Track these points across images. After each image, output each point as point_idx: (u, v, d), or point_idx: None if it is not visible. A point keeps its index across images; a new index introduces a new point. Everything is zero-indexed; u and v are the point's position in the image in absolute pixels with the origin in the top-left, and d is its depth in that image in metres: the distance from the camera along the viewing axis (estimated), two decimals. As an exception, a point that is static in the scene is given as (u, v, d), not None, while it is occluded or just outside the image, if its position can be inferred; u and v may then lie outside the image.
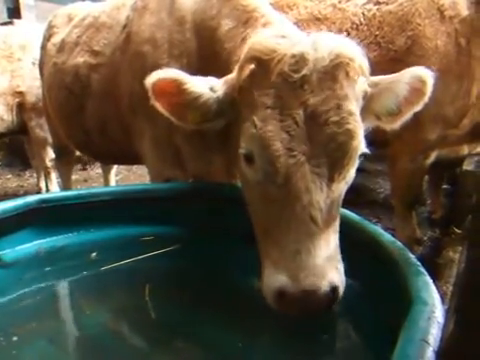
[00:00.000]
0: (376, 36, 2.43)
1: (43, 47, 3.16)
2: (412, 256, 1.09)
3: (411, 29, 2.36)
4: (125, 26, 2.15)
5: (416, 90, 1.28)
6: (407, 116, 1.33)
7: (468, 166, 3.35)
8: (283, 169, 1.09)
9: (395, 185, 2.85)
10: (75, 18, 2.84)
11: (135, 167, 5.83)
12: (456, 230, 3.30)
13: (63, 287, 1.48)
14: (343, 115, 1.09)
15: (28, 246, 1.51)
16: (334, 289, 1.05)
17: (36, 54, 3.65)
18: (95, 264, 1.51)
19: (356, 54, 1.17)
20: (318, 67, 1.11)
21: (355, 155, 1.13)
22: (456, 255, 2.85)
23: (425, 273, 1.00)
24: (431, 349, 0.75)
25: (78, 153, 3.77)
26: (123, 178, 5.71)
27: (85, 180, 5.74)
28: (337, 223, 1.17)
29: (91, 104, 2.42)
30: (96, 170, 6.01)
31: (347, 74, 1.13)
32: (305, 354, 1.15)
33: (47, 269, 1.48)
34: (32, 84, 4.34)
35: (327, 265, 1.06)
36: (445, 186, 4.27)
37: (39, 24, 4.76)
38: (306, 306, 1.04)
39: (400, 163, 2.64)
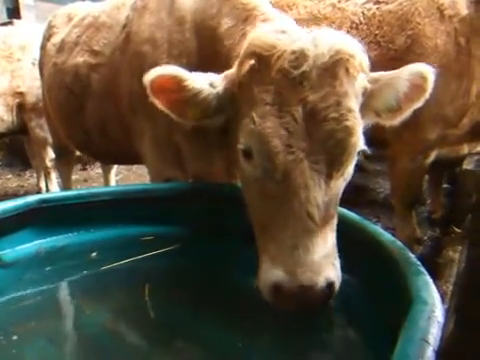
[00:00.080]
0: (376, 35, 2.43)
1: (43, 47, 3.16)
2: (412, 255, 1.09)
3: (411, 28, 2.36)
4: (125, 26, 2.15)
5: (416, 86, 1.28)
6: (407, 113, 1.32)
7: (468, 165, 3.35)
8: (281, 165, 1.09)
9: (395, 185, 2.85)
10: (75, 18, 2.84)
11: (135, 167, 5.82)
12: (456, 229, 3.29)
13: (63, 287, 1.48)
14: (342, 112, 1.09)
15: (28, 246, 1.51)
16: (330, 285, 1.06)
17: (36, 54, 3.65)
18: (95, 264, 1.51)
19: (356, 51, 1.17)
20: (318, 63, 1.10)
21: (354, 152, 1.13)
22: (456, 254, 2.85)
23: (425, 272, 1.00)
24: (431, 349, 0.75)
25: (78, 153, 3.77)
26: (123, 178, 5.71)
27: (85, 180, 5.74)
28: (335, 220, 1.17)
29: (91, 104, 2.41)
30: (96, 170, 6.01)
31: (347, 71, 1.13)
32: (305, 354, 1.15)
33: (47, 269, 1.48)
34: (32, 84, 4.34)
35: (324, 261, 1.06)
36: (445, 185, 4.27)
37: (39, 24, 4.76)
38: (302, 301, 1.04)
39: (400, 163, 2.64)
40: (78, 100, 2.48)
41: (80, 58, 2.45)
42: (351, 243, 1.24)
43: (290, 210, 1.08)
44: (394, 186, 2.89)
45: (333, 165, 1.11)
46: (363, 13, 2.51)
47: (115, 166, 4.45)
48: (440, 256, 2.98)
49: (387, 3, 2.49)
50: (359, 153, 1.17)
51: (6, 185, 5.69)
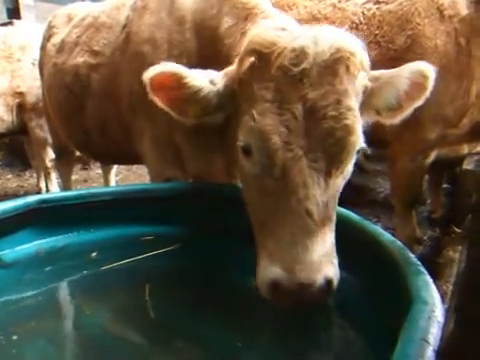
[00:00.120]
0: (376, 35, 2.43)
1: (43, 47, 3.15)
2: (412, 255, 1.09)
3: (411, 28, 2.36)
4: (125, 26, 2.15)
5: (417, 85, 1.27)
6: (408, 111, 1.32)
7: (468, 165, 3.35)
8: (280, 163, 1.09)
9: (395, 185, 2.85)
10: (75, 18, 2.84)
11: (135, 167, 5.82)
12: (456, 229, 3.29)
13: (63, 287, 1.48)
14: (342, 110, 1.09)
15: (28, 246, 1.51)
16: (329, 283, 1.06)
17: (36, 54, 3.64)
18: (95, 264, 1.51)
19: (357, 49, 1.16)
20: (318, 61, 1.10)
21: (353, 150, 1.13)
22: (456, 254, 2.85)
23: (425, 272, 1.00)
24: (431, 348, 0.75)
25: (78, 153, 3.77)
26: (123, 178, 5.71)
27: (85, 180, 5.74)
28: (334, 218, 1.17)
29: (91, 104, 2.41)
30: (96, 170, 6.01)
31: (347, 69, 1.13)
32: (304, 354, 1.15)
33: (47, 269, 1.48)
34: (32, 84, 4.34)
35: (322, 259, 1.06)
36: (445, 185, 4.27)
37: (39, 24, 4.76)
38: (300, 299, 1.04)
39: (400, 163, 2.63)
40: (78, 100, 2.48)
41: (80, 58, 2.45)
42: (351, 243, 1.24)
43: (289, 208, 1.07)
44: (394, 186, 2.89)
45: (332, 163, 1.10)
46: (363, 13, 2.51)
47: (115, 166, 4.45)
48: (440, 256, 2.98)
49: (387, 3, 2.49)
50: (359, 151, 1.16)
51: (6, 185, 5.69)
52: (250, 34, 1.26)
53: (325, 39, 1.12)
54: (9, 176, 6.07)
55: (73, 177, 4.40)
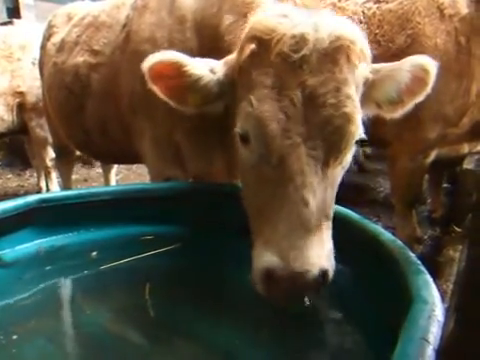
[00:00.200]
0: (376, 35, 2.43)
1: (43, 47, 3.15)
2: (412, 255, 1.08)
3: (411, 27, 2.36)
4: (125, 25, 2.15)
5: (418, 79, 1.26)
6: (409, 106, 1.30)
7: (468, 165, 3.35)
8: (278, 150, 1.07)
9: (395, 184, 2.85)
10: (75, 17, 2.84)
11: (135, 166, 5.83)
12: (456, 229, 3.29)
13: (63, 286, 1.48)
14: (341, 98, 1.08)
15: (28, 246, 1.51)
16: (324, 273, 1.05)
17: (36, 54, 3.65)
18: (95, 263, 1.51)
19: (357, 38, 1.15)
20: (318, 48, 1.09)
21: (352, 140, 1.11)
22: (456, 254, 2.85)
23: (425, 272, 1.00)
24: (431, 348, 0.75)
25: (78, 152, 3.78)
26: (123, 177, 5.72)
27: (85, 180, 5.74)
28: (331, 210, 1.16)
29: (91, 104, 2.41)
30: (96, 169, 6.02)
31: (348, 58, 1.11)
32: (305, 353, 1.15)
33: (47, 268, 1.48)
34: (32, 84, 4.34)
35: (318, 249, 1.05)
36: (445, 185, 4.27)
37: (39, 24, 4.76)
38: (294, 288, 1.03)
39: (400, 162, 2.64)
40: (78, 100, 2.48)
41: (80, 58, 2.45)
42: (351, 242, 1.24)
43: (285, 195, 1.06)
44: (394, 185, 2.89)
45: (331, 152, 1.09)
46: (363, 12, 2.51)
47: (115, 166, 4.45)
48: (440, 255, 2.98)
49: (387, 2, 2.49)
50: (358, 142, 1.15)
51: (6, 185, 5.70)
52: (251, 21, 1.24)
53: (326, 26, 1.11)
54: (9, 176, 6.08)
55: (73, 176, 4.41)
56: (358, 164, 5.91)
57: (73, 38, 2.62)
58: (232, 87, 1.26)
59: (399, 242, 1.15)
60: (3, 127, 4.43)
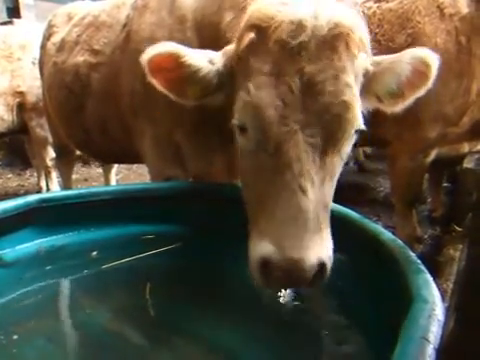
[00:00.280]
0: (376, 34, 2.43)
1: (43, 46, 3.15)
2: (412, 254, 1.08)
3: (411, 27, 2.36)
4: (125, 25, 2.14)
5: (419, 72, 1.24)
6: (409, 100, 1.28)
7: (468, 164, 3.36)
8: (275, 137, 1.06)
9: (395, 183, 2.85)
10: (75, 17, 2.84)
11: (135, 166, 5.83)
12: (456, 228, 3.29)
13: (63, 286, 1.48)
14: (340, 86, 1.07)
15: (28, 245, 1.51)
16: (321, 264, 1.03)
17: (36, 54, 3.64)
18: (96, 263, 1.51)
19: (357, 26, 1.14)
20: (317, 34, 1.07)
21: (350, 128, 1.09)
22: (456, 253, 2.85)
23: (425, 271, 1.00)
24: (431, 347, 0.75)
25: (78, 152, 3.78)
26: (123, 177, 5.72)
27: (85, 179, 5.75)
28: (330, 201, 1.15)
29: (91, 103, 2.41)
30: (97, 169, 6.02)
31: (347, 46, 1.10)
32: (305, 353, 1.15)
33: (47, 268, 1.48)
34: (32, 84, 4.34)
35: (315, 238, 1.04)
36: (445, 184, 4.27)
37: (39, 23, 4.76)
38: (290, 277, 1.02)
39: (400, 161, 2.64)
40: (78, 99, 2.48)
41: (80, 57, 2.45)
42: (351, 242, 1.24)
43: (282, 183, 1.05)
44: (394, 185, 2.89)
45: (329, 140, 1.08)
46: (363, 12, 2.50)
47: (115, 165, 4.45)
48: (440, 254, 2.98)
49: (387, 1, 2.49)
50: (357, 132, 1.13)
51: (6, 184, 5.70)
52: (250, 10, 1.22)
53: (325, 14, 1.09)
54: (10, 175, 6.08)
55: (73, 176, 4.41)
56: (358, 164, 5.91)
57: (73, 38, 2.62)
58: (231, 77, 1.25)
59: (399, 241, 1.15)
60: (3, 127, 4.43)
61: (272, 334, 1.23)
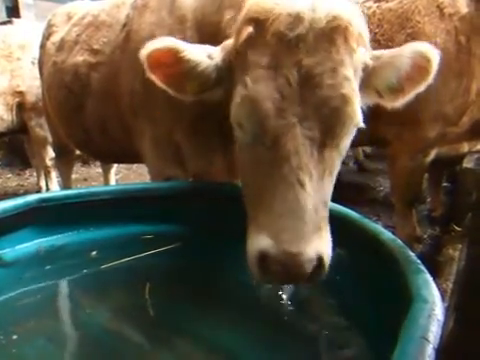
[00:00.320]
0: (375, 34, 2.43)
1: (42, 46, 3.15)
2: (412, 254, 1.08)
3: (411, 27, 2.36)
4: (125, 25, 2.14)
5: (420, 67, 1.22)
6: (410, 95, 1.27)
7: (468, 164, 3.36)
8: (273, 130, 1.06)
9: (395, 183, 2.86)
10: (74, 17, 2.84)
11: (135, 166, 5.83)
12: (456, 228, 3.29)
13: (63, 286, 1.48)
14: (338, 79, 1.06)
15: (28, 245, 1.51)
16: (320, 259, 1.03)
17: (35, 53, 3.64)
18: (95, 262, 1.51)
19: (355, 20, 1.13)
20: (314, 27, 1.07)
21: (349, 122, 1.08)
22: (456, 253, 2.85)
23: (425, 271, 1.00)
24: (431, 347, 0.75)
25: (78, 152, 3.78)
26: (123, 177, 5.72)
27: (85, 179, 5.75)
28: (328, 196, 1.14)
29: (91, 103, 2.41)
30: (96, 169, 6.02)
31: (346, 39, 1.09)
32: (305, 353, 1.15)
33: (47, 268, 1.48)
34: (32, 84, 4.34)
35: (313, 232, 1.03)
36: (445, 184, 4.27)
37: (38, 23, 4.75)
38: (288, 271, 1.01)
39: (400, 161, 2.64)
40: (78, 99, 2.48)
41: (80, 57, 2.45)
42: (351, 241, 1.24)
43: (280, 176, 1.04)
44: (394, 185, 2.89)
45: (327, 134, 1.07)
46: (363, 11, 2.50)
47: (115, 165, 4.45)
48: (440, 254, 2.98)
49: (387, 1, 2.49)
50: (356, 127, 1.12)
51: (6, 184, 5.70)
52: (248, 3, 1.20)
53: (323, 7, 1.09)
54: (9, 175, 6.08)
55: (73, 176, 4.41)
56: (358, 163, 5.92)
57: (73, 37, 2.61)
58: (229, 72, 1.24)
59: (399, 241, 1.15)
60: (3, 127, 4.43)
61: (272, 334, 1.23)
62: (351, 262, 1.24)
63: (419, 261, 1.05)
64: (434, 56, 1.21)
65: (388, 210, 3.72)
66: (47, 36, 3.07)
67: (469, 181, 3.25)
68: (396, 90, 1.26)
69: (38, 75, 3.47)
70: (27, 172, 6.11)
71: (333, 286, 1.25)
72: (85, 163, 6.26)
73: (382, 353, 0.87)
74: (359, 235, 1.25)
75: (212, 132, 1.73)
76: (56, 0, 6.44)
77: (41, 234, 1.54)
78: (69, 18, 2.93)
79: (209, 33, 1.68)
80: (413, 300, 0.89)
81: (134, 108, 2.05)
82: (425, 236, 3.39)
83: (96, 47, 2.35)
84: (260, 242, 1.05)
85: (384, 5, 2.49)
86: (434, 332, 0.78)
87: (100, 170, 4.88)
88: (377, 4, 2.51)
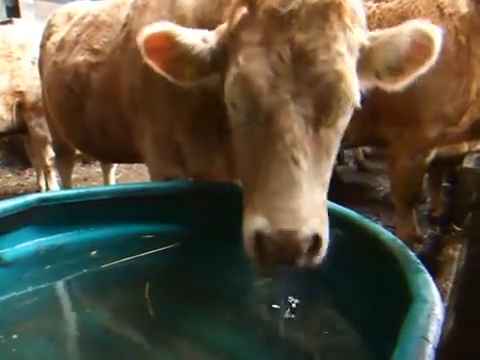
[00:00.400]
0: (376, 34, 2.43)
1: (42, 46, 3.15)
2: (412, 254, 1.08)
3: (411, 27, 2.36)
4: (125, 25, 2.14)
5: (421, 46, 1.18)
6: (411, 77, 1.23)
7: (468, 164, 3.36)
8: (266, 107, 1.05)
9: (395, 183, 2.86)
10: (75, 17, 2.84)
11: (135, 166, 5.83)
12: (456, 228, 3.29)
13: (63, 285, 1.48)
14: (331, 55, 1.05)
15: (28, 245, 1.51)
16: (316, 237, 1.01)
17: (36, 53, 3.64)
18: (95, 262, 1.51)
19: None
20: (307, 3, 1.05)
21: (344, 99, 1.07)
22: (456, 253, 2.85)
23: (425, 271, 1.00)
24: (431, 346, 0.75)
25: (78, 151, 3.78)
26: (123, 177, 5.72)
27: (85, 179, 5.75)
28: (326, 177, 1.13)
29: (91, 103, 2.41)
30: (96, 168, 6.02)
31: (339, 16, 1.08)
32: (305, 352, 1.15)
33: (47, 267, 1.48)
34: (32, 83, 4.34)
35: (309, 210, 1.01)
36: (445, 184, 4.27)
37: (38, 23, 4.75)
38: (284, 250, 0.99)
39: (400, 161, 2.64)
40: (78, 99, 2.48)
41: (80, 57, 2.45)
42: (351, 241, 1.24)
43: (274, 155, 1.03)
44: (394, 184, 2.89)
45: (322, 111, 1.06)
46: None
47: (115, 165, 4.45)
48: (440, 254, 2.98)
49: (387, 1, 2.49)
50: (353, 106, 1.11)
51: (6, 184, 5.71)
52: None
53: None
54: (9, 175, 6.09)
55: (73, 175, 4.41)
56: (358, 163, 5.92)
57: (73, 37, 2.62)
58: (224, 56, 1.23)
59: (399, 241, 1.15)
60: (3, 126, 4.43)
61: (271, 334, 1.23)
62: (351, 262, 1.24)
63: (419, 261, 1.05)
64: (436, 34, 1.16)
65: (388, 210, 3.72)
66: (47, 36, 3.07)
67: (469, 181, 3.26)
68: (396, 71, 1.22)
69: (38, 75, 3.47)
70: (27, 172, 6.11)
71: (333, 286, 1.25)
72: (85, 163, 6.27)
73: (382, 353, 0.87)
74: (359, 235, 1.25)
75: (212, 131, 1.73)
76: (56, 0, 6.44)
77: (41, 234, 1.54)
78: (69, 18, 2.93)
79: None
80: (413, 300, 0.89)
81: (134, 105, 2.05)
82: (425, 236, 3.39)
83: (96, 47, 2.35)
84: (255, 223, 1.03)
85: (384, 5, 2.49)
86: (434, 332, 0.78)
87: (100, 170, 4.88)
88: (377, 4, 2.51)
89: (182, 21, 1.80)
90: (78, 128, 2.62)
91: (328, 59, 1.04)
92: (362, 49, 1.18)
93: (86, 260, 1.53)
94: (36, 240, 1.53)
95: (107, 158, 3.36)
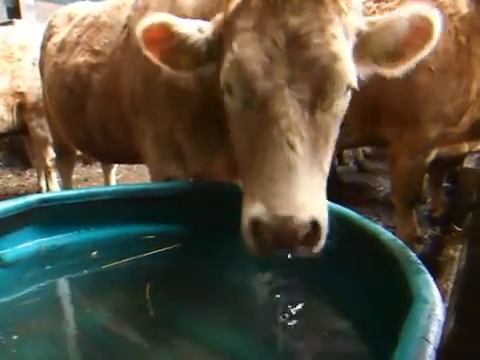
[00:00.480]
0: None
1: (43, 47, 3.16)
2: (412, 254, 1.08)
3: (411, 27, 2.36)
4: (126, 26, 2.15)
5: (420, 30, 1.17)
6: (410, 62, 1.21)
7: (468, 164, 3.36)
8: (261, 93, 1.05)
9: (395, 183, 2.86)
10: (75, 18, 2.84)
11: (136, 166, 5.83)
12: (456, 228, 3.29)
13: (64, 286, 1.48)
14: (326, 38, 1.04)
15: (29, 245, 1.51)
16: (314, 223, 1.00)
17: (36, 54, 3.65)
18: (96, 263, 1.51)
19: None
20: None
21: (340, 81, 1.06)
22: (456, 253, 2.85)
23: (426, 271, 1.00)
24: (431, 347, 0.75)
25: (79, 152, 3.78)
26: (123, 177, 5.72)
27: (85, 179, 5.75)
28: (325, 163, 1.12)
29: (92, 104, 2.42)
30: (97, 169, 6.02)
31: (334, 0, 1.08)
32: (305, 353, 1.15)
33: (48, 268, 1.48)
34: (32, 84, 4.35)
35: (307, 196, 1.00)
36: (445, 184, 4.27)
37: (39, 24, 4.76)
38: (281, 236, 0.98)
39: (400, 161, 2.64)
40: (79, 100, 2.48)
41: (81, 58, 2.45)
42: (351, 242, 1.24)
43: (270, 140, 1.03)
44: (394, 185, 2.89)
45: (317, 94, 1.06)
46: (363, 11, 2.51)
47: (115, 165, 4.45)
48: (440, 254, 2.98)
49: (387, 1, 2.49)
50: (349, 89, 1.10)
51: (7, 185, 5.71)
52: None
53: None
54: (10, 175, 6.09)
55: (74, 176, 4.41)
56: (358, 163, 5.92)
57: (74, 38, 2.62)
58: (219, 45, 1.23)
59: (399, 241, 1.15)
60: (3, 127, 4.43)
61: (271, 334, 1.23)
62: (351, 262, 1.24)
63: (419, 261, 1.05)
64: (435, 17, 1.16)
65: (388, 210, 3.72)
66: (48, 37, 3.07)
67: (470, 181, 3.25)
68: (395, 56, 1.21)
69: (39, 76, 3.48)
70: (28, 172, 6.12)
71: (333, 286, 1.25)
72: (86, 163, 6.27)
73: (382, 353, 0.87)
74: (359, 235, 1.25)
75: (212, 131, 1.73)
76: (57, 1, 6.45)
77: (42, 234, 1.54)
78: (70, 19, 2.94)
79: None
80: (413, 300, 0.89)
81: (135, 107, 2.05)
82: (425, 236, 3.39)
83: (97, 48, 2.36)
84: (252, 209, 1.03)
85: (384, 5, 2.49)
86: (434, 332, 0.78)
87: (101, 170, 4.89)
88: (377, 4, 2.51)
89: (182, 21, 1.81)
90: (79, 129, 2.63)
91: (322, 42, 1.04)
92: (359, 34, 1.17)
93: (87, 260, 1.53)
94: (37, 240, 1.53)
95: (108, 159, 3.36)
